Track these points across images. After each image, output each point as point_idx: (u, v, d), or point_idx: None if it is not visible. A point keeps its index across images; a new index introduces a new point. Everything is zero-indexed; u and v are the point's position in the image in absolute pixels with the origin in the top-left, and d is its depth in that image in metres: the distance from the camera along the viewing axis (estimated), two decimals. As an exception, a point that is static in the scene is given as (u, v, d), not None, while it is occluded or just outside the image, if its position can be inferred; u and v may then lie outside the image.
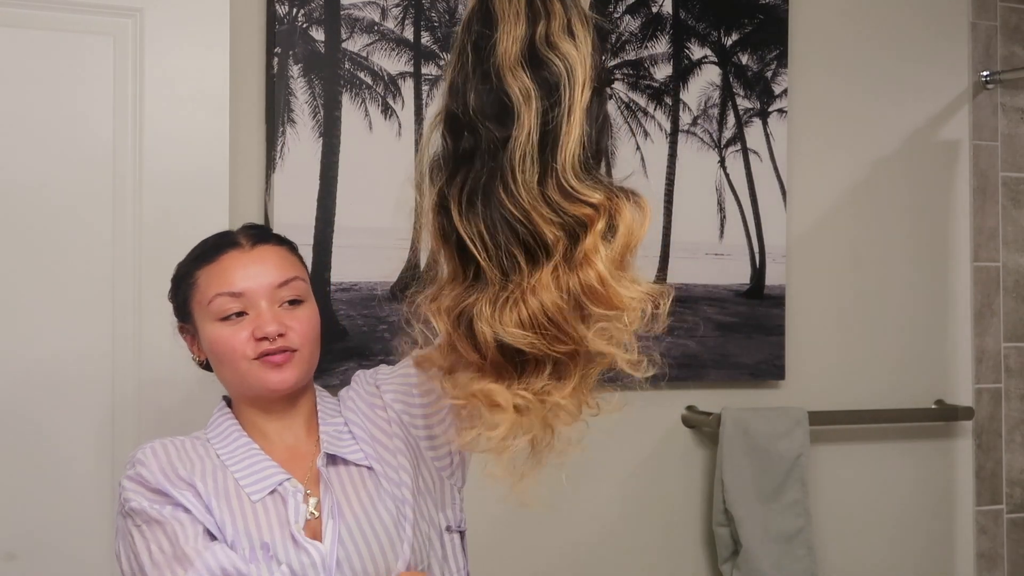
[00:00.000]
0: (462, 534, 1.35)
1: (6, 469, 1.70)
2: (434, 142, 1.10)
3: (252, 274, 1.27)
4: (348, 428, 1.30)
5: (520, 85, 1.03)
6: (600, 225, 1.03)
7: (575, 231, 1.03)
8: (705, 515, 2.20)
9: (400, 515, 1.24)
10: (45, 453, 1.72)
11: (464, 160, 1.06)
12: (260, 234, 1.33)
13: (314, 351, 1.30)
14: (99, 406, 1.75)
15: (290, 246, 1.36)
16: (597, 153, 1.08)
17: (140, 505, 1.21)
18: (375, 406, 1.32)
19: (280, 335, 1.25)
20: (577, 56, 1.04)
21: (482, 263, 1.04)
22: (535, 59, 1.04)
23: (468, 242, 1.04)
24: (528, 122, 1.02)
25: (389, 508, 1.24)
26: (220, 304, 1.26)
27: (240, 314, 1.26)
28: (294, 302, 1.28)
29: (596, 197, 1.03)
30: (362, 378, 1.37)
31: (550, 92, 1.03)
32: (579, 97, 1.03)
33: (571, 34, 1.05)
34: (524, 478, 1.10)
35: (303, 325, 1.27)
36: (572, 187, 1.03)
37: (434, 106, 1.82)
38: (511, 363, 1.07)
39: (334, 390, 1.41)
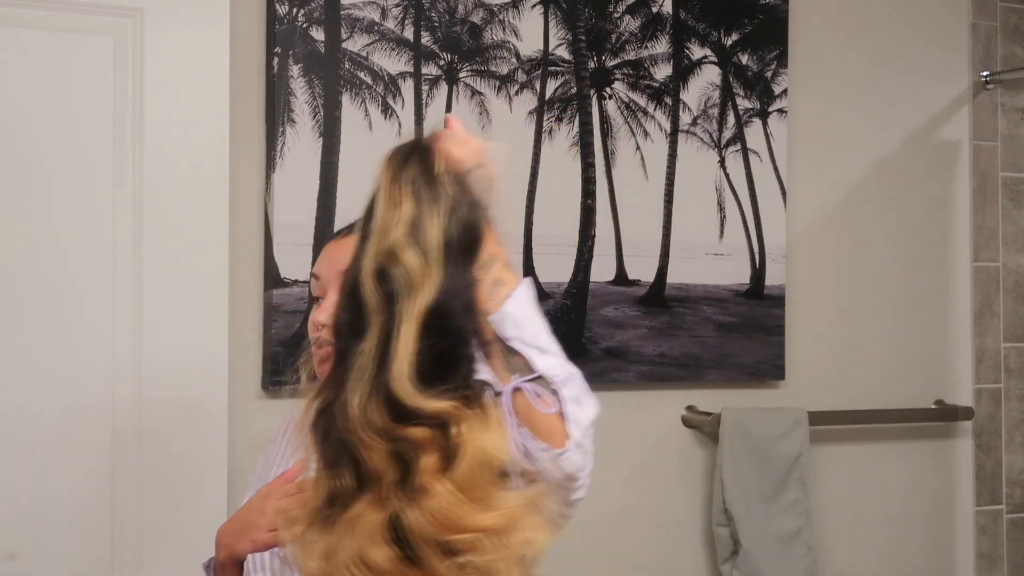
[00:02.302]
0: None
1: (6, 468, 1.70)
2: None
3: (334, 260, 1.27)
4: None
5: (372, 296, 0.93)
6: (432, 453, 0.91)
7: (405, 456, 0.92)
8: (705, 515, 2.20)
9: None
10: (45, 452, 1.72)
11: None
12: None
13: None
14: (99, 404, 1.75)
15: None
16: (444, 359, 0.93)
17: None
18: None
19: (325, 326, 1.25)
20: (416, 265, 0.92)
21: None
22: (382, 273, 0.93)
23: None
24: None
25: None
26: (312, 283, 1.33)
27: (319, 298, 1.30)
28: None
29: (418, 431, 0.91)
30: None
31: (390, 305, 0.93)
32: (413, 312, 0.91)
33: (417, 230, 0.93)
34: None
35: None
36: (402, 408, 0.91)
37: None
38: None
39: None
